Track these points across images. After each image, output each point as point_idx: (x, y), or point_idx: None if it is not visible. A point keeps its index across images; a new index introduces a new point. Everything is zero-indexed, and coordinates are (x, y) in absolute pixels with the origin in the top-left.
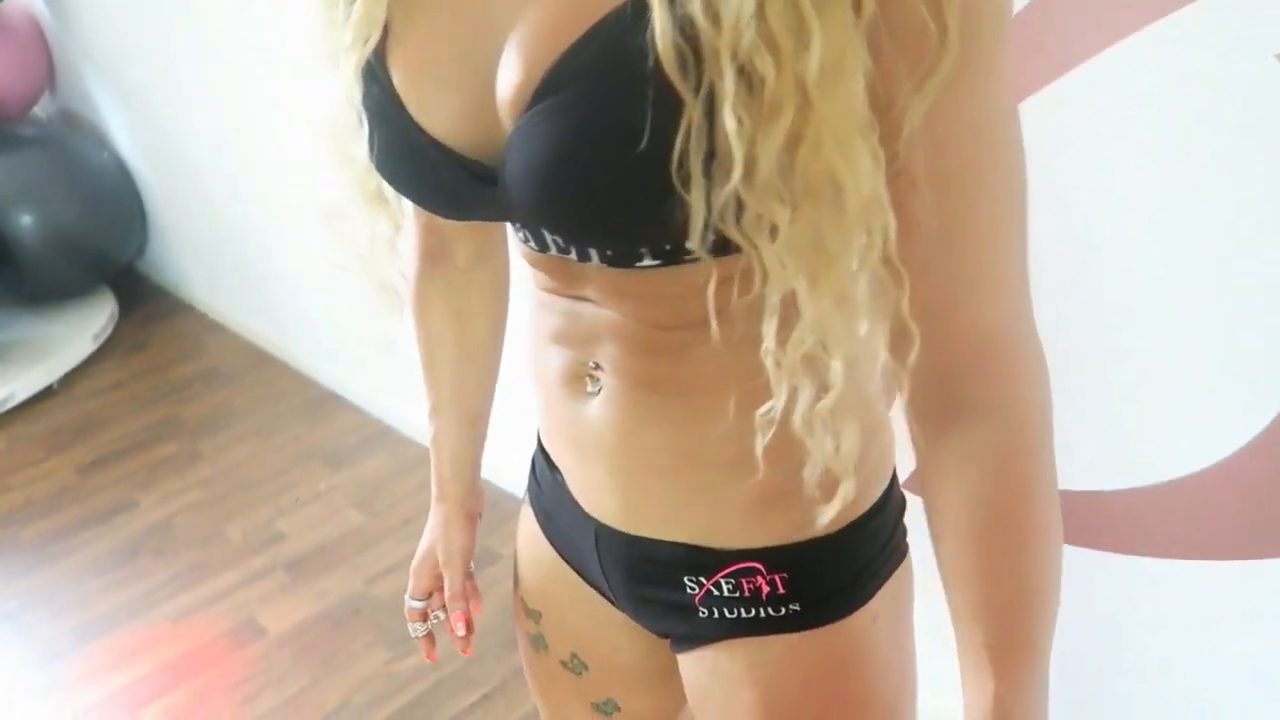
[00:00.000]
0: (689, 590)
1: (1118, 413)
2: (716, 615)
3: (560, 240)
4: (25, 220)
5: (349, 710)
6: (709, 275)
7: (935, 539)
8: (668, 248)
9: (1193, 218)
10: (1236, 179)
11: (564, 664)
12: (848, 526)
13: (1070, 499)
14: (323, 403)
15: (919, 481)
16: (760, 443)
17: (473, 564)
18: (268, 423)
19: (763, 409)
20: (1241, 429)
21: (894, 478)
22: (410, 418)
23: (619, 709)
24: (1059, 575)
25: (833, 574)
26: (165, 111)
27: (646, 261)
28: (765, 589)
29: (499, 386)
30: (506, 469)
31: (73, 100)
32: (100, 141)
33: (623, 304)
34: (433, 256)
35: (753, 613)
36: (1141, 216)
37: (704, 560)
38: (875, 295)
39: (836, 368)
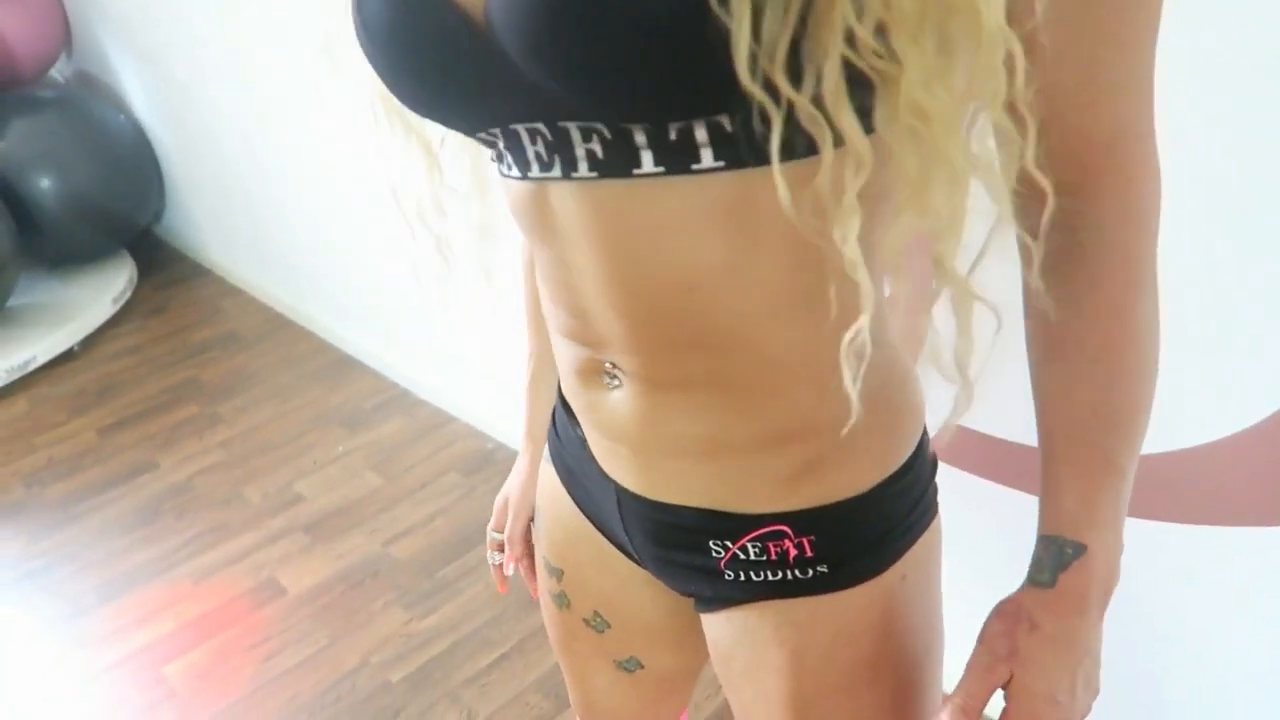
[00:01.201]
0: (714, 554)
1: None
2: (743, 578)
3: (544, 139)
4: (44, 183)
5: (368, 669)
6: (755, 186)
7: (1030, 351)
8: (671, 130)
9: (1225, 175)
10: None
11: (586, 622)
12: (877, 486)
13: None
14: (340, 367)
15: (1027, 300)
16: (849, 382)
17: None
18: (285, 386)
19: (849, 334)
20: (1273, 395)
21: (924, 436)
22: (426, 382)
23: (641, 666)
24: (1152, 394)
25: (861, 535)
26: (181, 74)
27: (647, 165)
28: (793, 552)
29: (514, 348)
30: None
31: (89, 62)
32: (117, 104)
33: (618, 263)
34: None
35: (779, 575)
36: (1173, 175)
37: (729, 525)
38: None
39: (948, 252)
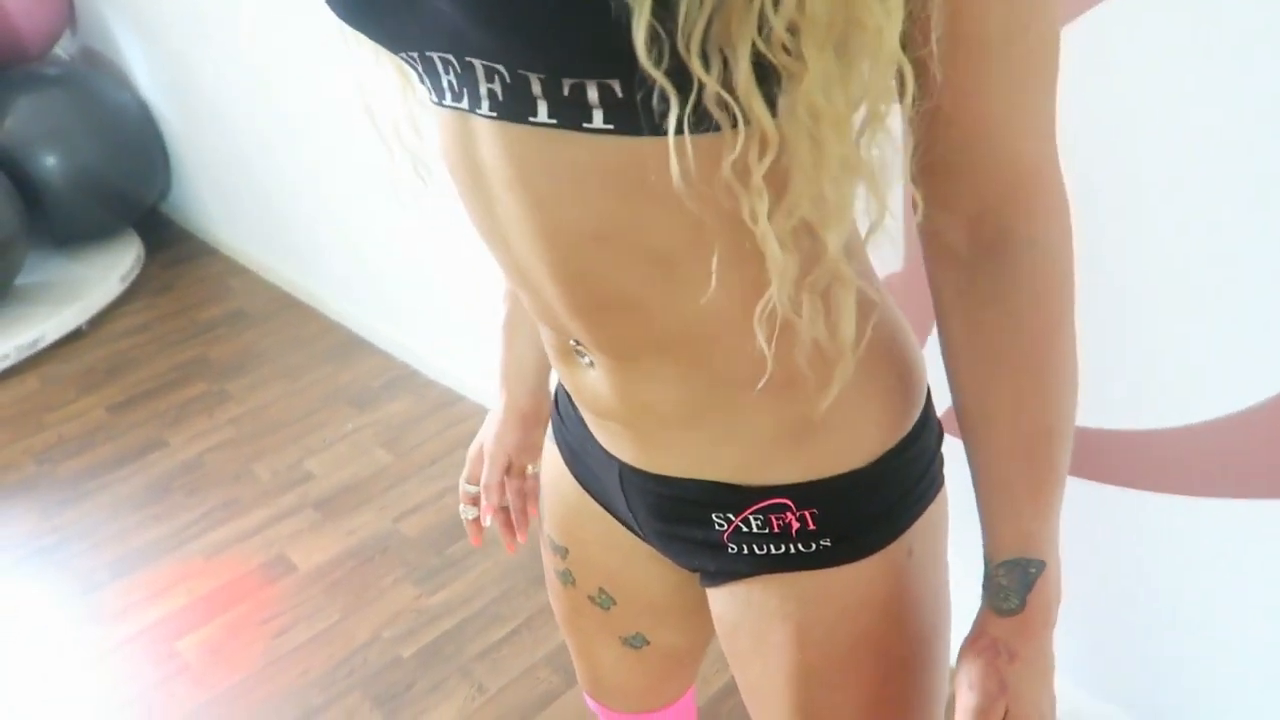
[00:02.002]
0: (717, 527)
1: (1158, 352)
2: (746, 551)
3: (454, 70)
4: (50, 161)
5: (379, 644)
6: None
7: (960, 380)
8: (565, 84)
9: (1239, 151)
10: None
11: (591, 599)
12: (880, 458)
13: (1108, 438)
14: (348, 346)
15: (941, 326)
16: (764, 344)
17: (536, 466)
18: (294, 365)
19: (761, 302)
20: None
21: (928, 405)
22: (435, 361)
23: (647, 642)
24: (1077, 405)
25: (865, 508)
26: (186, 50)
27: (541, 115)
28: (795, 525)
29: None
30: None
31: (94, 39)
32: (122, 81)
33: (529, 207)
34: None
35: (783, 549)
36: (1184, 149)
37: (731, 497)
38: (880, 163)
39: (833, 239)
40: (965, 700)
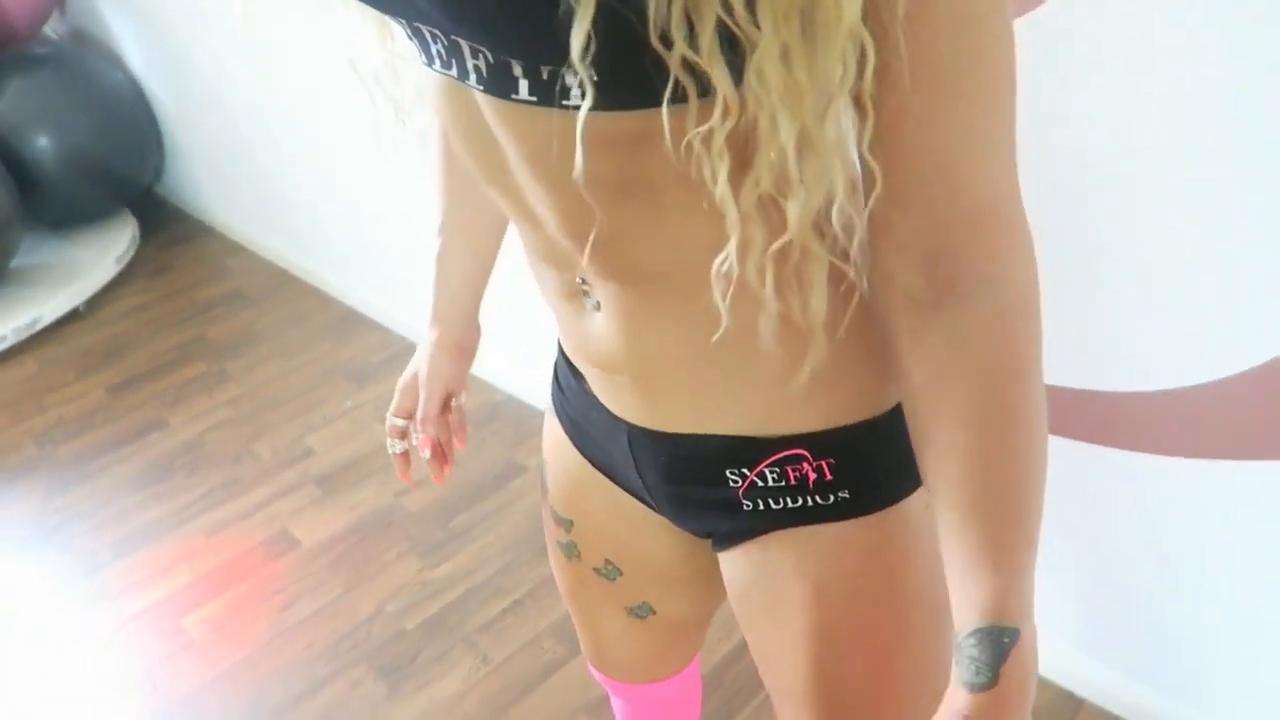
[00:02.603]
0: (732, 484)
1: (1159, 313)
2: (762, 507)
3: (441, 43)
4: (42, 142)
5: (383, 617)
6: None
7: (920, 431)
8: (543, 70)
9: (1233, 119)
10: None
11: (597, 571)
12: (896, 407)
13: (1108, 400)
14: (346, 322)
15: (899, 373)
16: (719, 299)
17: (463, 397)
18: (293, 343)
19: (718, 259)
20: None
21: None
22: None
23: (654, 612)
24: (1047, 459)
25: (883, 459)
26: (178, 28)
27: (522, 93)
28: (812, 476)
29: (522, 299)
30: (533, 384)
31: (83, 19)
32: (113, 61)
33: (545, 173)
34: None
35: (800, 501)
36: (1182, 117)
37: (745, 451)
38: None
39: (794, 211)
40: None
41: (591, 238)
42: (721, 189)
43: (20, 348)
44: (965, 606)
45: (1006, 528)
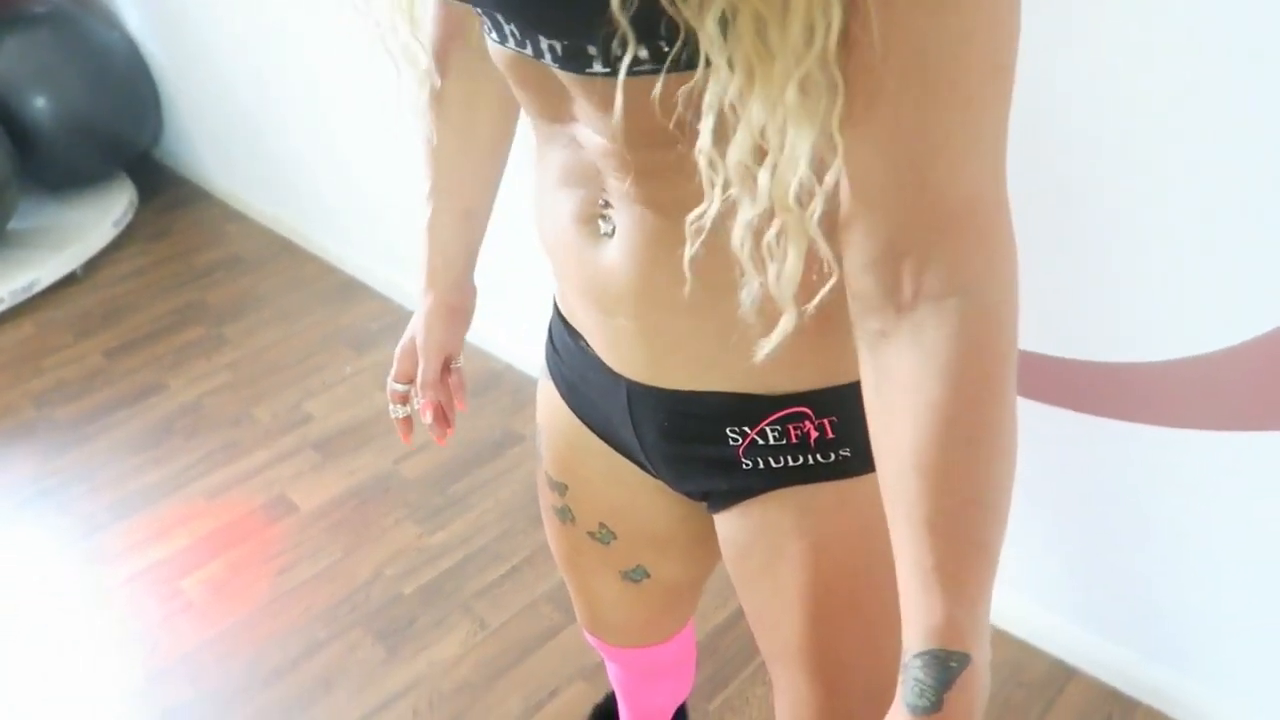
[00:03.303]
0: (731, 442)
1: (1157, 283)
2: (762, 466)
3: (515, 26)
4: (39, 103)
5: (381, 581)
6: (658, 87)
7: (878, 441)
8: (614, 50)
9: (1234, 87)
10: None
11: (591, 535)
12: None
13: (1102, 370)
14: (345, 289)
15: (863, 380)
16: (687, 252)
17: (460, 359)
18: (291, 308)
19: (692, 215)
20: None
21: None
22: None
23: (648, 575)
24: (1014, 480)
25: None
26: None
27: (596, 68)
28: (814, 434)
29: (521, 268)
30: (531, 353)
31: None
32: (110, 20)
33: (599, 123)
34: (450, 34)
35: (800, 460)
36: (1182, 85)
37: (747, 409)
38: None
39: (764, 180)
40: None
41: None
42: (705, 142)
43: (18, 310)
44: (915, 627)
45: (965, 550)
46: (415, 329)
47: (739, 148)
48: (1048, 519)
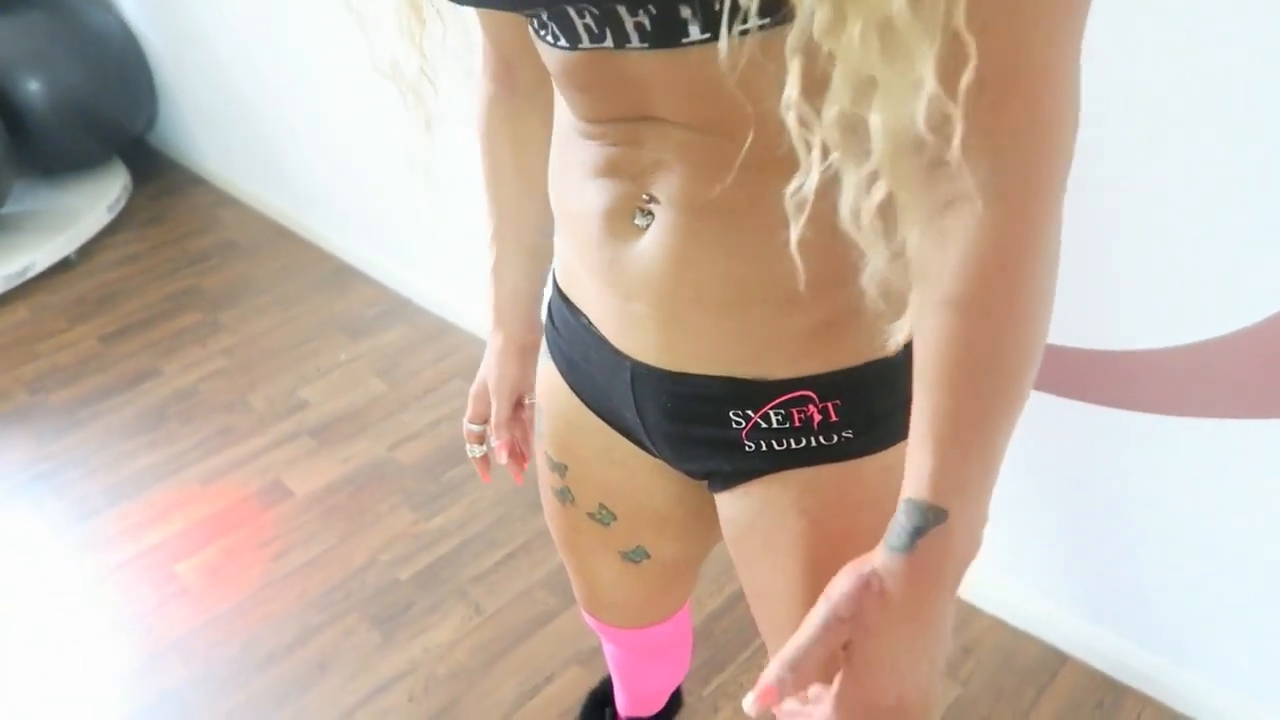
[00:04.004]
0: (735, 425)
1: (1151, 272)
2: (764, 448)
3: (592, 15)
4: (33, 87)
5: (376, 567)
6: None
7: (935, 296)
8: (714, 7)
9: (1231, 72)
10: None
11: (591, 515)
12: (903, 348)
13: (1093, 358)
14: (341, 275)
15: (905, 220)
16: (794, 233)
17: (530, 396)
18: (287, 295)
19: (791, 187)
20: (1273, 295)
21: None
22: (428, 290)
23: (648, 556)
24: (1038, 360)
25: (886, 399)
26: None
27: (694, 34)
28: (817, 418)
29: None
30: None
31: None
32: (104, 4)
33: (678, 107)
34: (498, 79)
35: (803, 443)
36: (1180, 77)
37: (751, 393)
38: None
39: (877, 125)
40: (813, 611)
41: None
42: (791, 92)
43: (11, 295)
44: (909, 473)
45: (959, 407)
46: (487, 371)
47: (839, 94)
48: (1041, 506)
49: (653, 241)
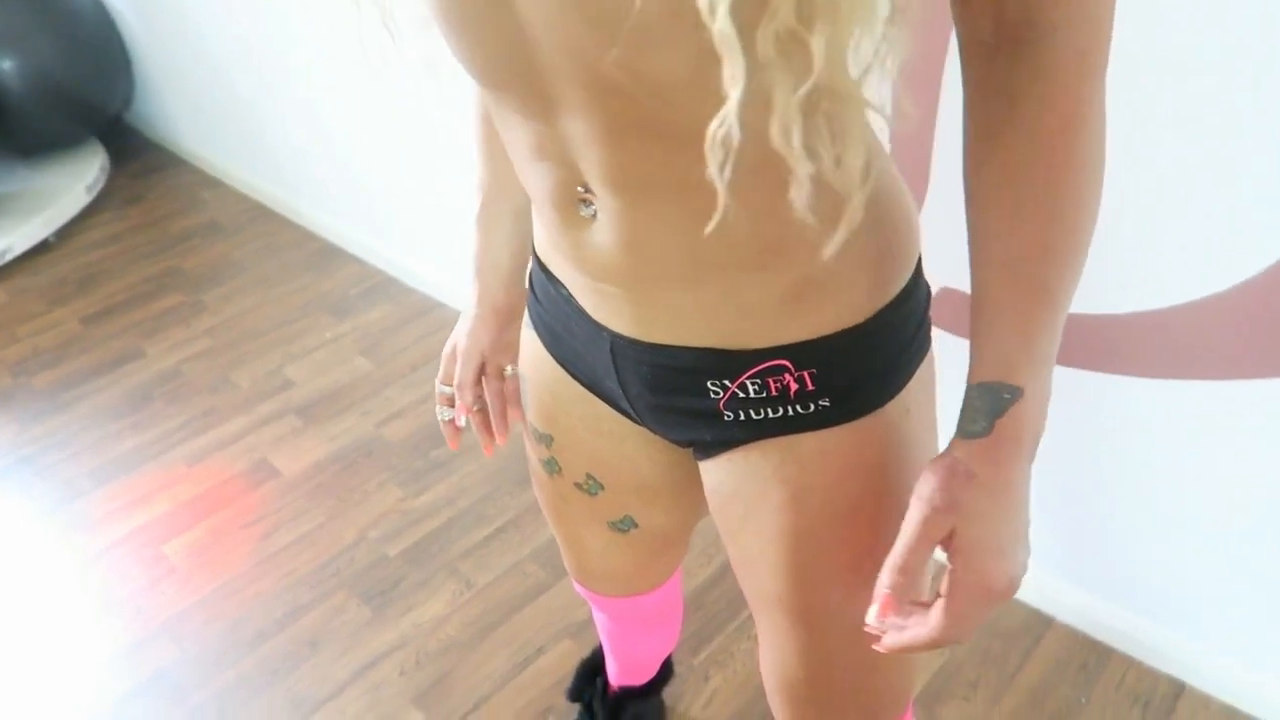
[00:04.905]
0: (713, 395)
1: (1137, 235)
2: (743, 418)
3: None
4: (6, 65)
5: (365, 544)
6: None
7: (968, 186)
8: None
9: (1227, 40)
10: None
11: (578, 486)
12: (876, 314)
13: (1081, 322)
14: (324, 255)
15: (965, 110)
16: (715, 173)
17: (511, 367)
18: (270, 274)
19: (715, 122)
20: (1262, 253)
21: (920, 265)
22: (412, 268)
23: (636, 525)
24: (1094, 226)
25: (862, 367)
26: None
27: None
28: (794, 387)
29: None
30: None
31: None
32: None
33: (584, 61)
34: None
35: (780, 412)
36: (1167, 35)
37: (728, 363)
38: None
39: (819, 47)
40: (911, 512)
41: (613, 129)
42: (720, 20)
43: None
44: (978, 361)
45: (1025, 289)
46: (459, 328)
47: (776, 19)
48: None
49: (603, 229)
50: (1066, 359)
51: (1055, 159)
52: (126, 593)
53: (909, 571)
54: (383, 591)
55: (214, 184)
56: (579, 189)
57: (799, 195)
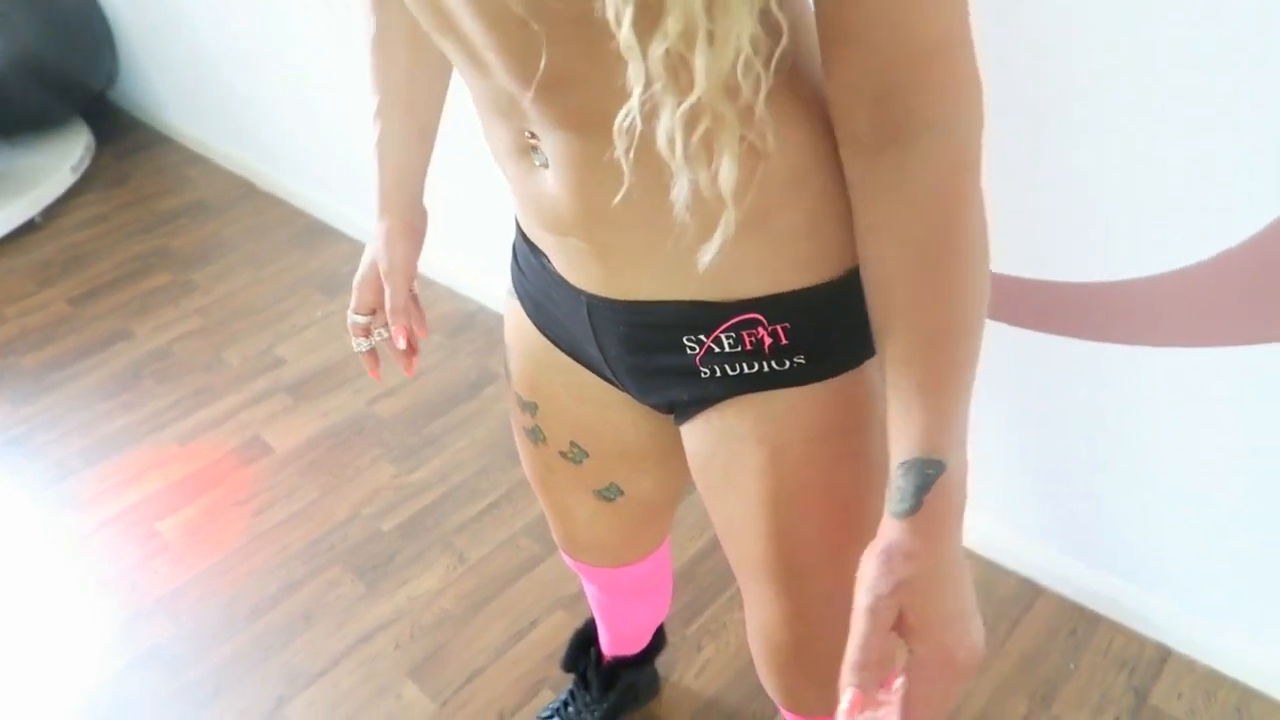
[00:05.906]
0: (689, 351)
1: (1121, 201)
2: (719, 374)
3: None
4: None
5: (359, 520)
6: None
7: (865, 273)
8: None
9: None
10: None
11: (563, 454)
12: (847, 273)
13: (1062, 290)
14: (313, 233)
15: (854, 207)
16: (621, 155)
17: (416, 284)
18: (259, 253)
19: (621, 114)
20: (1246, 221)
21: None
22: None
23: (622, 493)
24: (987, 303)
25: (837, 324)
26: None
27: None
28: (768, 341)
29: (489, 206)
30: (500, 292)
31: None
32: None
33: (489, 10)
34: None
35: (755, 367)
36: (1152, 8)
37: (702, 317)
38: None
39: (700, 68)
40: (857, 603)
41: (536, 79)
42: (626, 35)
43: None
44: (899, 440)
45: (943, 366)
46: (375, 255)
47: (666, 38)
48: (1015, 440)
49: (554, 179)
50: (1051, 326)
51: (949, 247)
52: (120, 569)
53: (869, 666)
54: (376, 566)
55: (201, 162)
56: (527, 135)
57: (679, 198)
